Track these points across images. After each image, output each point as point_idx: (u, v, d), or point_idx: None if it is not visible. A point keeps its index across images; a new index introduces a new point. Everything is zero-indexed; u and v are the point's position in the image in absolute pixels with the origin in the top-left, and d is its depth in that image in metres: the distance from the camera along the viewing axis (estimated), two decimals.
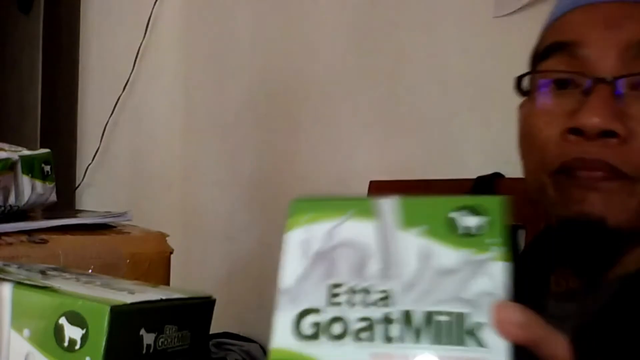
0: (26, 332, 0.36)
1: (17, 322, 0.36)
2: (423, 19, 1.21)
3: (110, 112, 1.69)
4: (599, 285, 0.54)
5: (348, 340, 0.35)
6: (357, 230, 0.37)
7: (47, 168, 0.89)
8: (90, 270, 0.77)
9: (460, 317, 0.34)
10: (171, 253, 0.88)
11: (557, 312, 0.56)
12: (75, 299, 0.37)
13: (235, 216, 1.55)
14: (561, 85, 0.53)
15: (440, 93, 1.18)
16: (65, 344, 0.36)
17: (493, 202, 0.36)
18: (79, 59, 1.80)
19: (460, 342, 0.33)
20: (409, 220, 0.37)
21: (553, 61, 0.53)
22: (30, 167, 0.86)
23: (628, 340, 0.49)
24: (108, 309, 0.37)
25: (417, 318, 0.34)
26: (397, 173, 1.22)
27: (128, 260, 0.82)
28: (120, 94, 1.68)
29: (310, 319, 0.35)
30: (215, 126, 1.57)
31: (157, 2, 1.63)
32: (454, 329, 0.34)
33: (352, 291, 0.36)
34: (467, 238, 0.36)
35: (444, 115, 1.16)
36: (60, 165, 1.20)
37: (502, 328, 0.31)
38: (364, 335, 0.35)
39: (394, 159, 1.25)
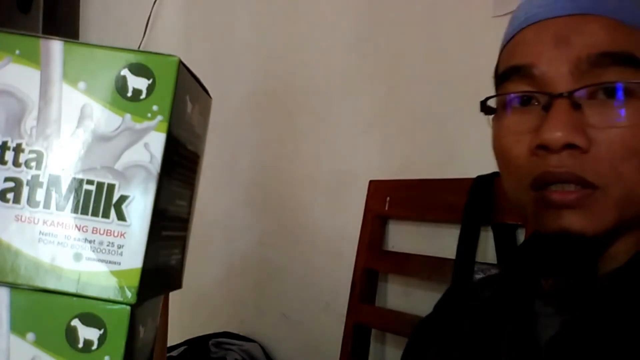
0: (30, 335, 0.35)
1: (18, 325, 0.35)
2: (422, 18, 1.21)
3: None
4: (588, 281, 0.54)
5: None
6: (21, 76, 0.34)
7: None
8: None
9: (109, 188, 0.33)
10: None
11: (548, 311, 0.56)
12: (87, 300, 0.37)
13: (235, 216, 1.55)
14: (524, 102, 0.55)
15: (440, 92, 1.18)
16: (80, 345, 0.35)
17: (166, 62, 0.34)
18: None
19: (104, 214, 0.33)
20: (76, 73, 0.34)
21: (513, 83, 0.56)
22: None
23: (618, 335, 0.50)
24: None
25: (65, 185, 0.33)
26: (397, 173, 1.22)
27: None
28: None
29: None
30: (215, 126, 1.56)
31: (157, 2, 1.63)
32: (100, 200, 0.33)
33: (6, 147, 0.34)
34: (132, 102, 0.33)
35: (443, 114, 1.17)
36: None
37: None
38: (9, 196, 0.33)
39: (393, 159, 1.25)
